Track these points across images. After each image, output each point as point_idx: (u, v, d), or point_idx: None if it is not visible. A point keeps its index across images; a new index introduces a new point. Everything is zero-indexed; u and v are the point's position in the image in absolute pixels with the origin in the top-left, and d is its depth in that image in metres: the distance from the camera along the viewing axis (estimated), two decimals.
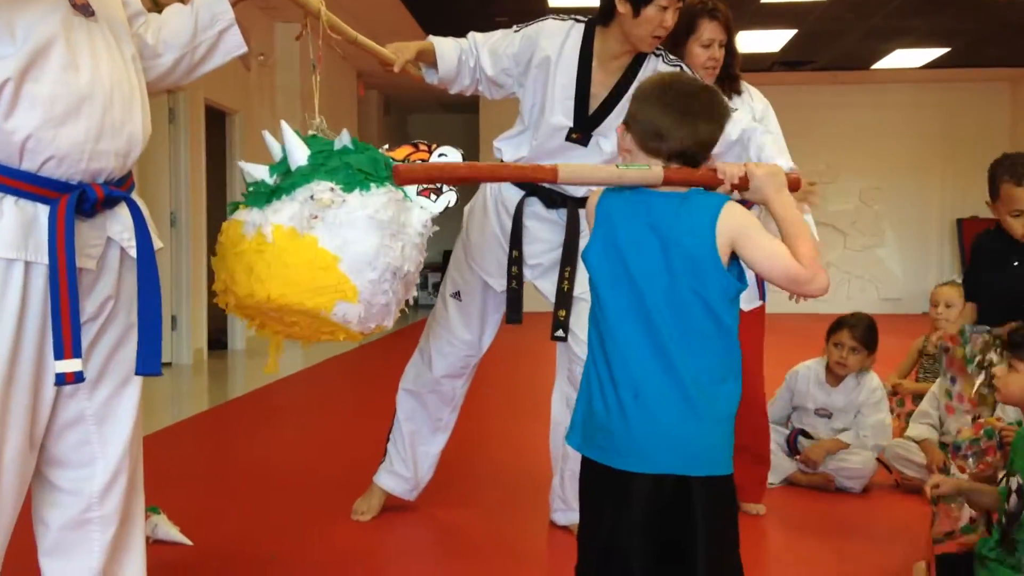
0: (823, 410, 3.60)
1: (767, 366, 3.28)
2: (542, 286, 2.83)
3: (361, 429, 4.33)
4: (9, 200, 1.58)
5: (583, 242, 2.74)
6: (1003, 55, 10.00)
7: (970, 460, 2.37)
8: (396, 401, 3.04)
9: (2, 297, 1.58)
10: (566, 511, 2.91)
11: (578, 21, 2.72)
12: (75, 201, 1.61)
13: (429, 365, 2.96)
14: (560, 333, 2.72)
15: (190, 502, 3.19)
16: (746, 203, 3.17)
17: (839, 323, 3.62)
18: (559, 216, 2.77)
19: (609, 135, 2.66)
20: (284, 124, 1.89)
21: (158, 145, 6.70)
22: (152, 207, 6.92)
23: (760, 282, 3.10)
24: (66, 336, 1.60)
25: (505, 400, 5.55)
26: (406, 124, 14.25)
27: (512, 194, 2.80)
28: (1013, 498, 2.15)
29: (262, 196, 1.80)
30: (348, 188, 1.79)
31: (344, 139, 1.90)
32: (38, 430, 1.69)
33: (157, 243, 1.79)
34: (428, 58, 2.73)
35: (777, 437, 3.51)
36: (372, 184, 1.82)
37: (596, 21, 2.68)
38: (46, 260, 1.60)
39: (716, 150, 1.69)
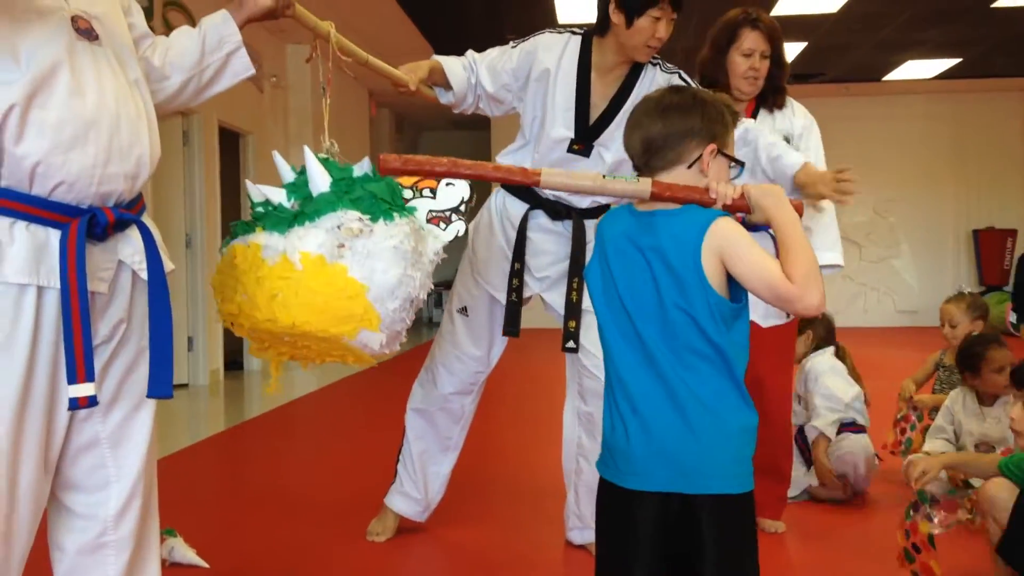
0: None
1: None
2: (551, 299, 2.83)
3: (376, 449, 4.32)
4: (20, 225, 1.58)
5: (590, 253, 2.76)
6: (1015, 65, 9.96)
7: (932, 516, 2.37)
8: (405, 421, 3.03)
9: (15, 323, 1.58)
10: (582, 529, 2.89)
11: (575, 33, 2.75)
12: (86, 225, 1.62)
13: (436, 382, 2.96)
14: (571, 344, 2.72)
15: (206, 524, 3.19)
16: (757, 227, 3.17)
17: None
18: (564, 228, 2.78)
19: (611, 146, 2.67)
20: (307, 149, 1.89)
21: (172, 167, 6.75)
22: (167, 229, 6.91)
23: None
24: (79, 360, 1.60)
25: (516, 417, 5.53)
26: (418, 142, 14.29)
27: (517, 208, 2.81)
28: None
29: (283, 221, 1.80)
30: (374, 218, 1.81)
31: (364, 166, 1.91)
32: (52, 455, 1.69)
33: (168, 265, 1.79)
34: (437, 77, 2.76)
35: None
36: (395, 214, 1.85)
37: (593, 33, 2.70)
38: (58, 285, 1.60)
39: None
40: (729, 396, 1.58)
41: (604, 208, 2.81)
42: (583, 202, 2.76)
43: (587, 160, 2.70)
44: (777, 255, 3.17)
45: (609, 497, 1.65)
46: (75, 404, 1.61)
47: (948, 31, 8.43)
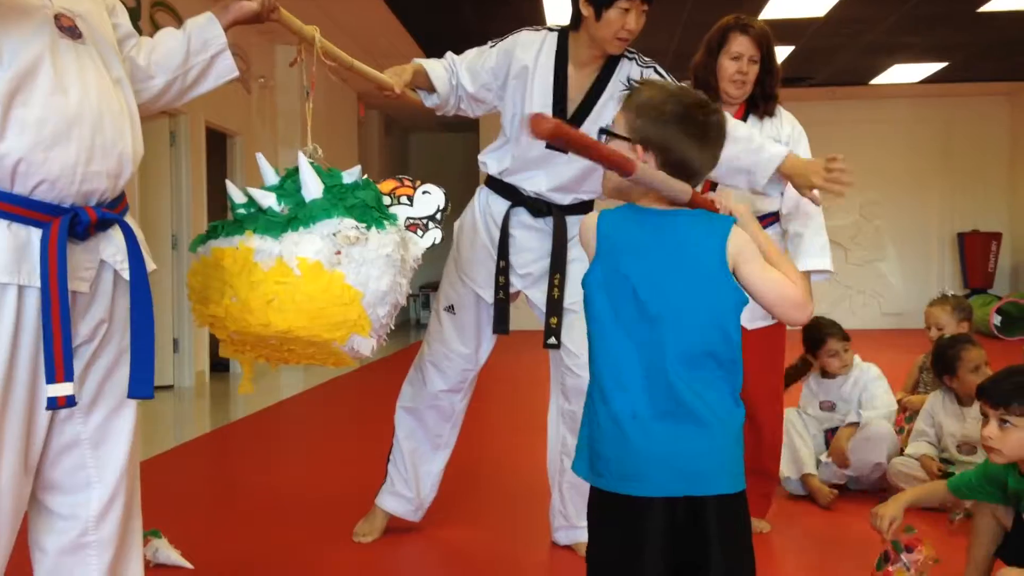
0: (826, 403, 3.74)
1: None
2: (533, 296, 2.84)
3: (363, 450, 4.31)
4: (1, 224, 1.57)
5: (571, 250, 2.78)
6: (1001, 69, 10.03)
7: (908, 565, 2.38)
8: (395, 420, 3.03)
9: None
10: (568, 529, 2.89)
11: (551, 30, 2.77)
12: (67, 224, 1.61)
13: (426, 381, 2.96)
14: (552, 340, 2.74)
15: (191, 525, 3.18)
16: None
17: (822, 337, 3.68)
18: (546, 224, 2.80)
19: None
20: (301, 155, 1.91)
21: (159, 168, 6.73)
22: (153, 230, 6.92)
23: None
24: (58, 360, 1.59)
25: (504, 417, 5.54)
26: (407, 144, 14.29)
27: (500, 206, 2.83)
28: None
29: (277, 225, 1.80)
30: (368, 227, 1.85)
31: (355, 174, 1.93)
32: (33, 455, 1.68)
33: (151, 265, 1.79)
34: (420, 80, 2.79)
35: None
36: (385, 223, 1.88)
37: (568, 28, 2.73)
38: (39, 284, 1.60)
39: None
40: (730, 396, 1.60)
41: (586, 205, 2.83)
42: (565, 199, 2.78)
43: (565, 156, 2.72)
44: None
45: (608, 506, 1.60)
46: (53, 404, 1.60)
47: (934, 35, 8.48)
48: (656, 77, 2.66)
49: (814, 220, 3.05)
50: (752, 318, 3.06)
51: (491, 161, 2.86)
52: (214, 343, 7.40)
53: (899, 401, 3.97)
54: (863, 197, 11.68)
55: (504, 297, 2.80)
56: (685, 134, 1.60)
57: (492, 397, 5.94)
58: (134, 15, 2.02)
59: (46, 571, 1.79)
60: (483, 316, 2.90)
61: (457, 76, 2.82)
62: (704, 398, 1.56)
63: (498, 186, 2.85)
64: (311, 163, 1.93)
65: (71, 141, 1.60)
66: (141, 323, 1.71)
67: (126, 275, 1.72)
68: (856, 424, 3.61)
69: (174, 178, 6.90)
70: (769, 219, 3.09)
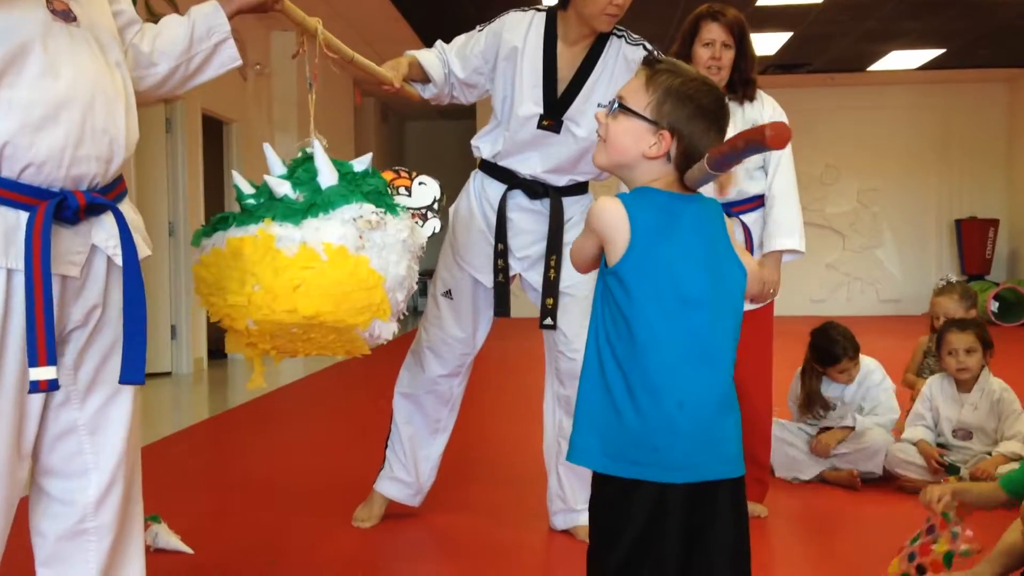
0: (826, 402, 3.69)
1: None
2: (530, 278, 2.85)
3: (361, 437, 4.32)
4: None
5: (568, 232, 2.78)
6: (999, 55, 10.02)
7: (957, 535, 2.34)
8: (393, 405, 3.04)
9: None
10: (566, 512, 2.90)
11: (539, 10, 2.78)
12: (54, 208, 1.60)
13: (424, 366, 2.96)
14: (549, 321, 2.75)
15: (191, 511, 3.19)
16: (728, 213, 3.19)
17: (836, 356, 3.63)
18: (543, 206, 2.80)
19: (580, 120, 2.70)
20: (316, 143, 1.91)
21: (155, 155, 6.72)
22: (150, 217, 6.89)
23: None
24: (40, 343, 1.58)
25: (500, 403, 5.55)
26: (404, 132, 14.26)
27: (495, 188, 2.83)
28: None
29: (296, 212, 1.80)
30: (385, 212, 1.86)
31: (365, 162, 1.94)
32: (26, 440, 1.68)
33: (144, 251, 1.78)
34: (415, 72, 2.80)
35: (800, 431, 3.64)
36: (398, 209, 1.90)
37: (556, 7, 2.73)
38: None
39: None
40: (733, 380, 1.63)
41: (581, 186, 2.83)
42: (560, 180, 2.78)
43: (557, 136, 2.72)
44: (748, 245, 3.20)
45: (624, 491, 1.56)
46: (36, 387, 1.59)
47: (932, 22, 8.47)
48: (644, 54, 2.68)
49: (786, 200, 3.07)
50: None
51: (484, 145, 2.87)
52: (212, 330, 7.41)
53: (906, 384, 3.99)
54: (861, 184, 11.69)
55: (504, 280, 2.81)
56: (713, 129, 1.59)
57: (488, 383, 5.95)
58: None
59: (46, 556, 1.80)
60: (480, 300, 2.90)
61: (448, 64, 2.82)
62: (730, 383, 1.60)
63: (492, 170, 2.85)
64: (310, 152, 1.94)
65: (59, 124, 1.59)
66: (133, 309, 1.70)
67: (119, 261, 1.71)
68: (850, 428, 3.55)
69: (170, 165, 6.89)
70: (756, 202, 3.11)
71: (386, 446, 3.06)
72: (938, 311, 3.95)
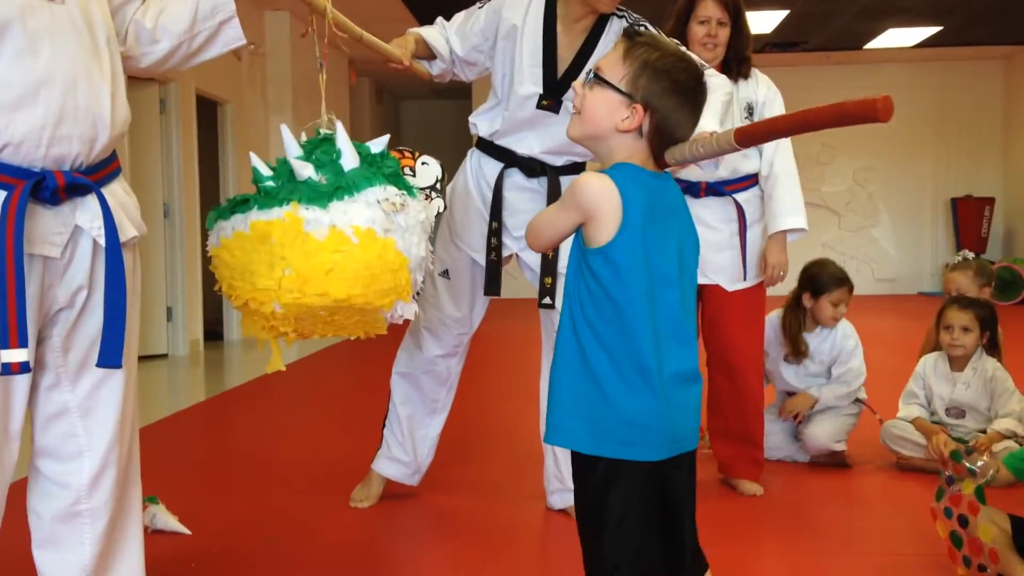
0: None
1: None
2: (528, 258, 2.84)
3: (359, 417, 4.33)
4: None
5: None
6: (996, 33, 9.98)
7: (973, 467, 2.33)
8: (390, 385, 3.04)
9: None
10: (563, 492, 2.91)
11: None
12: (30, 188, 1.58)
13: (421, 346, 2.96)
14: (547, 300, 2.75)
15: (188, 492, 3.20)
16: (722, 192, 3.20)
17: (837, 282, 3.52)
18: (540, 185, 2.79)
19: None
20: (339, 126, 1.92)
21: (149, 136, 6.68)
22: (145, 198, 6.86)
23: (744, 262, 3.10)
24: (12, 325, 1.57)
25: (497, 384, 5.56)
26: (399, 112, 14.20)
27: (492, 167, 2.82)
28: None
29: (323, 195, 1.80)
30: (406, 194, 1.90)
31: (382, 143, 1.96)
32: (13, 422, 1.68)
33: (129, 232, 1.77)
34: (421, 50, 2.79)
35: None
36: (414, 191, 1.92)
37: None
38: None
39: None
40: None
41: (578, 166, 2.82)
42: (557, 160, 2.77)
43: (556, 116, 2.71)
44: (741, 224, 3.22)
45: (624, 476, 1.56)
46: (7, 369, 1.58)
47: None
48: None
49: (787, 180, 3.11)
50: (732, 279, 3.11)
51: (482, 123, 2.86)
52: (208, 311, 7.41)
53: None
54: (857, 163, 11.68)
55: (496, 259, 2.80)
56: (687, 107, 1.58)
57: (486, 364, 5.96)
58: None
59: (42, 537, 1.81)
60: (477, 279, 2.90)
61: (449, 41, 2.80)
62: (697, 354, 1.65)
63: (490, 148, 2.84)
64: (327, 133, 1.94)
65: (38, 104, 1.57)
66: (113, 292, 1.69)
67: (103, 242, 1.69)
68: (811, 397, 3.49)
69: (164, 146, 6.86)
70: (749, 181, 3.12)
71: (384, 426, 3.06)
72: (951, 288, 3.88)
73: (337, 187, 1.80)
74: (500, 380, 5.71)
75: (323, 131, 1.98)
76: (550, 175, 2.77)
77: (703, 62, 2.57)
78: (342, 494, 3.09)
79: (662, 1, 2.63)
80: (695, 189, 3.04)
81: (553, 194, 2.75)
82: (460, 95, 10.80)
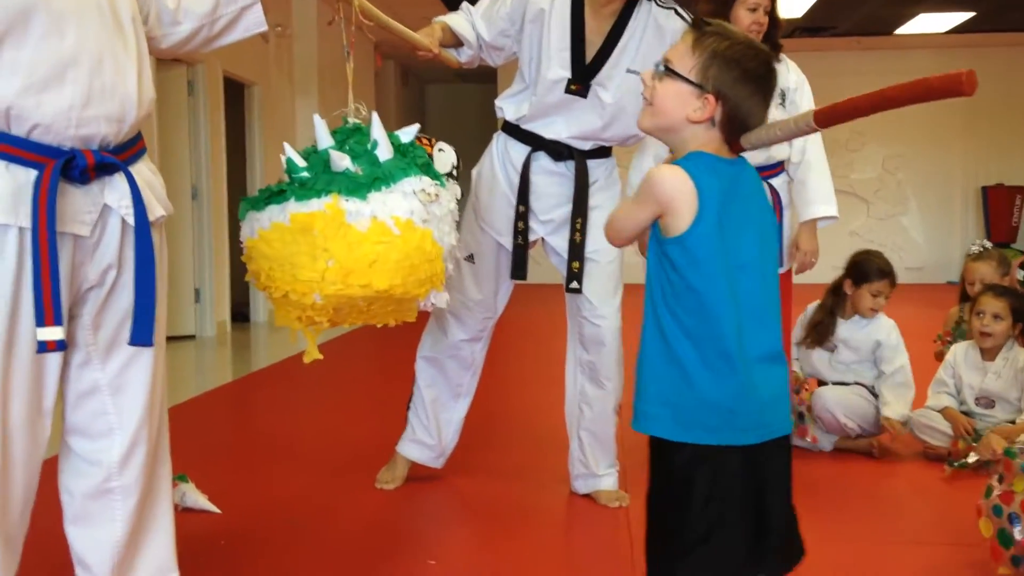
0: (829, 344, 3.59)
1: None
2: (555, 242, 2.84)
3: (385, 399, 4.35)
4: (0, 165, 1.57)
5: (593, 196, 2.77)
6: None
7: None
8: (415, 369, 3.06)
9: None
10: (588, 477, 2.92)
11: None
12: (60, 167, 1.60)
13: (446, 331, 2.97)
14: (575, 285, 2.75)
15: (217, 471, 3.23)
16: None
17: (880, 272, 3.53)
18: (567, 168, 2.78)
19: (608, 84, 2.68)
20: (375, 116, 1.93)
21: (177, 118, 6.72)
22: (173, 180, 6.91)
23: (781, 248, 3.11)
24: (47, 303, 1.59)
25: (522, 368, 5.57)
26: (424, 95, 14.19)
27: (519, 150, 2.82)
28: None
29: (362, 186, 1.81)
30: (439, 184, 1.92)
31: (411, 133, 1.97)
32: (46, 398, 1.69)
33: (157, 211, 1.78)
34: (448, 37, 2.80)
35: None
36: (443, 180, 1.94)
37: None
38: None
39: None
40: None
41: (605, 150, 2.81)
42: (585, 145, 2.77)
43: (584, 101, 2.70)
44: (776, 208, 3.23)
45: (710, 461, 1.56)
46: (44, 347, 1.61)
47: None
48: (680, 20, 2.66)
49: (819, 167, 3.14)
50: None
51: (508, 107, 2.85)
52: (236, 293, 7.46)
53: (935, 355, 3.96)
54: (886, 151, 11.54)
55: (523, 243, 2.80)
56: (759, 94, 1.57)
57: (510, 349, 5.97)
58: None
59: (73, 514, 1.83)
60: (502, 263, 2.90)
61: (475, 26, 2.80)
62: (781, 338, 1.65)
63: (516, 132, 2.84)
64: (355, 123, 1.95)
65: (65, 84, 1.59)
66: (142, 270, 1.71)
67: (131, 220, 1.71)
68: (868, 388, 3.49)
69: (192, 128, 6.89)
70: (780, 167, 3.14)
71: (408, 409, 3.08)
72: (974, 276, 3.91)
73: (375, 178, 1.81)
74: (524, 366, 5.72)
75: (351, 120, 1.99)
76: (577, 159, 2.76)
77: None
78: (367, 475, 3.11)
79: None
80: None
81: (581, 177, 2.75)
82: (485, 79, 10.78)
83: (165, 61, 6.06)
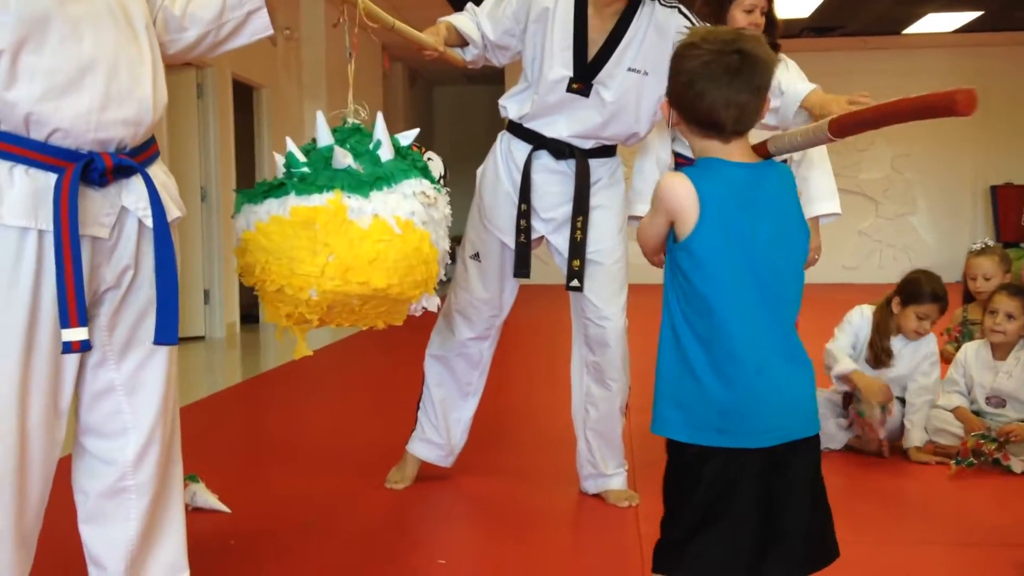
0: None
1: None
2: (556, 241, 2.85)
3: (394, 399, 4.36)
4: (20, 169, 1.59)
5: (595, 195, 2.78)
6: None
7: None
8: (424, 368, 3.07)
9: (16, 265, 1.59)
10: (597, 477, 2.93)
11: None
12: (80, 170, 1.61)
13: (453, 329, 2.98)
14: (575, 283, 2.75)
15: (227, 471, 3.24)
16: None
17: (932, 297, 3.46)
18: (569, 167, 2.79)
19: (609, 84, 2.69)
20: (380, 116, 1.94)
21: (187, 120, 6.75)
22: (183, 182, 6.95)
23: None
24: (71, 304, 1.61)
25: (529, 369, 5.57)
26: (432, 97, 14.20)
27: (521, 149, 2.83)
28: None
29: (364, 185, 1.82)
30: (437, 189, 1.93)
31: (411, 136, 1.98)
32: (63, 399, 1.71)
33: (174, 212, 1.80)
34: (453, 37, 2.81)
35: (828, 401, 3.54)
36: (439, 186, 1.95)
37: None
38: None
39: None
40: None
41: (608, 149, 2.82)
42: (586, 144, 2.77)
43: (586, 100, 2.70)
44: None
45: (712, 461, 1.59)
46: (68, 348, 1.62)
47: None
48: (684, 19, 2.67)
49: (822, 164, 3.12)
50: None
51: (511, 105, 2.86)
52: (245, 295, 7.48)
53: (942, 355, 3.95)
54: (894, 150, 11.52)
55: (525, 241, 2.81)
56: (716, 89, 1.56)
57: (518, 349, 5.98)
58: None
59: (87, 513, 1.85)
60: (507, 262, 2.91)
61: (480, 26, 2.82)
62: (799, 343, 1.65)
63: (519, 131, 2.85)
64: (354, 124, 1.96)
65: (83, 89, 1.60)
66: (165, 270, 1.73)
67: (149, 223, 1.73)
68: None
69: (202, 130, 6.92)
70: (785, 163, 3.12)
71: (418, 408, 3.09)
72: (976, 271, 3.92)
73: (377, 177, 1.82)
74: (532, 366, 5.73)
75: (350, 120, 2.00)
76: (578, 158, 2.77)
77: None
78: (377, 475, 3.12)
79: None
80: None
81: (582, 176, 2.75)
82: (493, 80, 10.79)
83: (174, 64, 6.09)
